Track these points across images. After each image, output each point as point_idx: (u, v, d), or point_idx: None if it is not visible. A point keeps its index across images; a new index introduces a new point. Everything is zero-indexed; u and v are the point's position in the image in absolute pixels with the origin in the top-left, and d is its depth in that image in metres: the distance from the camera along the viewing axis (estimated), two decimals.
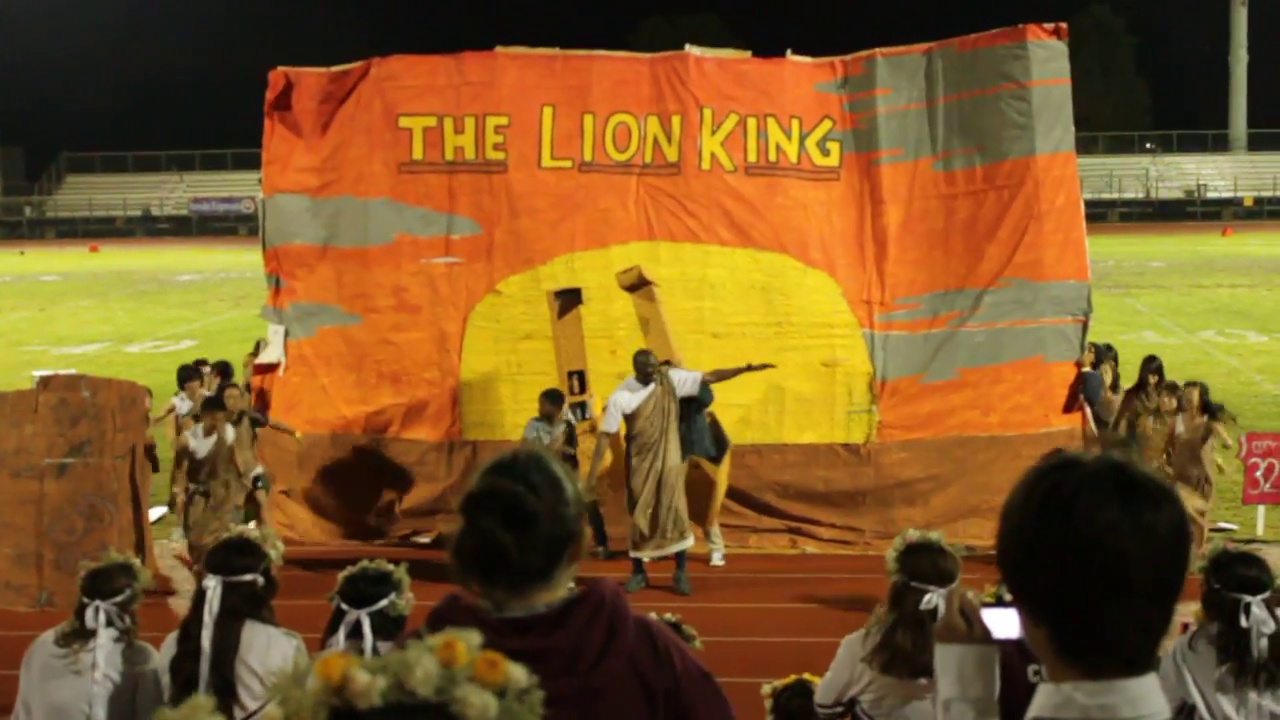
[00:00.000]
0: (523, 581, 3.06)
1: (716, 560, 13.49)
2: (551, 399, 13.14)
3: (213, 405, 13.13)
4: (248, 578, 6.26)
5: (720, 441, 13.31)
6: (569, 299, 13.76)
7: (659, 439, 12.71)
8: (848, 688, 5.99)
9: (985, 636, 2.73)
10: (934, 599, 5.85)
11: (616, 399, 12.82)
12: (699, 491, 13.06)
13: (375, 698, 1.80)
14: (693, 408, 13.03)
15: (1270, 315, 34.19)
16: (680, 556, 12.79)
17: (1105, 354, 16.24)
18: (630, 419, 12.79)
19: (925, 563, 5.97)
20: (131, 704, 6.44)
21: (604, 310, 14.43)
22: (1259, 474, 14.13)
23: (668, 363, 13.19)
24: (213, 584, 6.21)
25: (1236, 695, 5.87)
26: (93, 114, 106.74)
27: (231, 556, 6.32)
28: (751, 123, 14.43)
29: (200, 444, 12.73)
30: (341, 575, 6.22)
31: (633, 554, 12.75)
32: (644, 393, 12.71)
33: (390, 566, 6.23)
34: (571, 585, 3.20)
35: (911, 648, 5.83)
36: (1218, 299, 38.34)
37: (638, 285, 13.41)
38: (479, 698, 1.86)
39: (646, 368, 12.76)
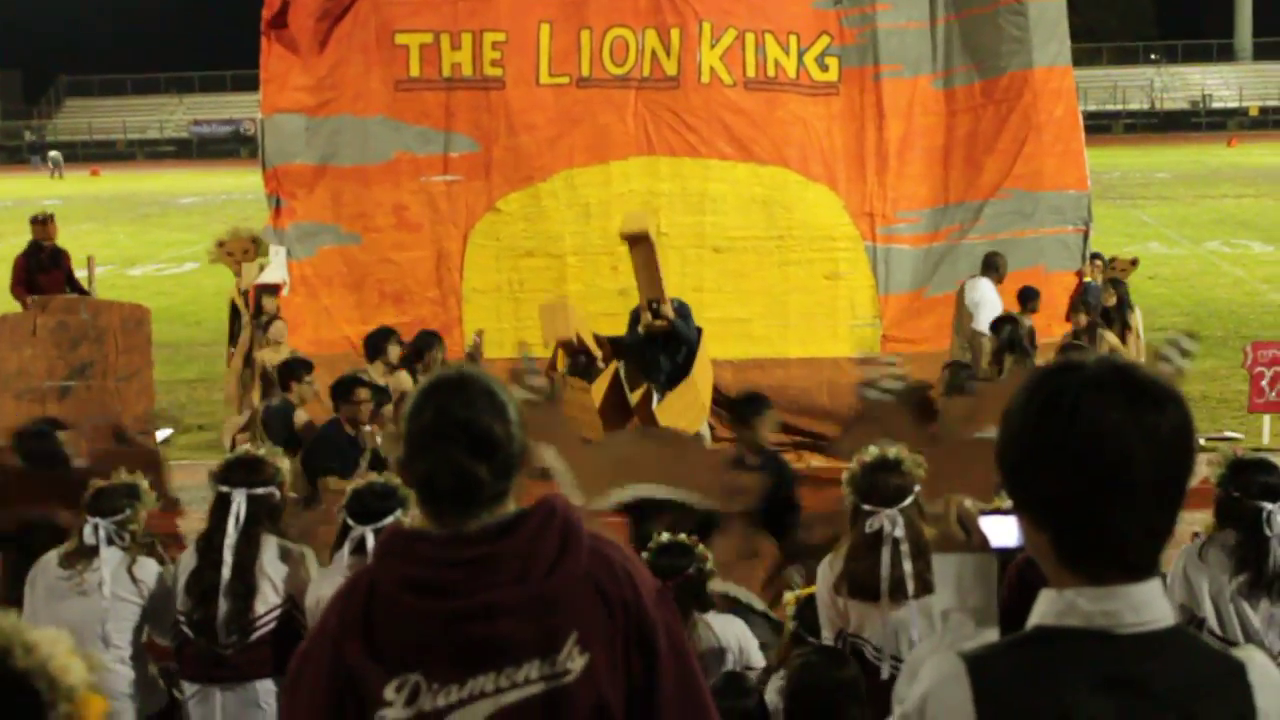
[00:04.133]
0: (488, 504, 3.06)
1: None
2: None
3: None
4: (263, 490, 6.38)
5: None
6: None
7: None
8: (833, 613, 5.98)
9: (983, 545, 2.71)
10: (878, 521, 5.84)
11: (990, 296, 13.05)
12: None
13: None
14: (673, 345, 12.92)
15: (1275, 225, 34.01)
16: None
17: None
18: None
19: (869, 483, 5.95)
20: (140, 620, 6.50)
21: (604, 228, 14.34)
22: (1264, 383, 14.11)
23: (657, 300, 13.01)
24: (238, 497, 6.31)
25: (1251, 605, 5.79)
26: (90, 37, 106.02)
27: (250, 472, 6.47)
28: (749, 38, 14.33)
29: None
30: (349, 489, 6.25)
31: None
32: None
33: (397, 482, 6.23)
34: None
35: (866, 570, 5.82)
36: (1223, 209, 38.14)
37: (639, 238, 13.23)
38: None
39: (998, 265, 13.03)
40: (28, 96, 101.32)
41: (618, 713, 3.07)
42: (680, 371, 12.83)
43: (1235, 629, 5.78)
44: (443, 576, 2.99)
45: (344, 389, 10.22)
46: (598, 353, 12.83)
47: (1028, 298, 13.65)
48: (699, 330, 12.89)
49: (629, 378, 13.01)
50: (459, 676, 2.99)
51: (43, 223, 17.33)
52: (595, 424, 12.59)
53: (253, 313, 13.99)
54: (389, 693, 2.98)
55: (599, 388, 12.69)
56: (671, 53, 14.28)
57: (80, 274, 17.01)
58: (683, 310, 12.85)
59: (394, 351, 12.17)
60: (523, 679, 3.00)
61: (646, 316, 12.81)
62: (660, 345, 12.84)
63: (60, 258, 17.37)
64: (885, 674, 5.76)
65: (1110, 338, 14.06)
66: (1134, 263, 15.45)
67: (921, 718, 2.29)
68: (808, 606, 6.17)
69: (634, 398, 12.80)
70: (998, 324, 12.37)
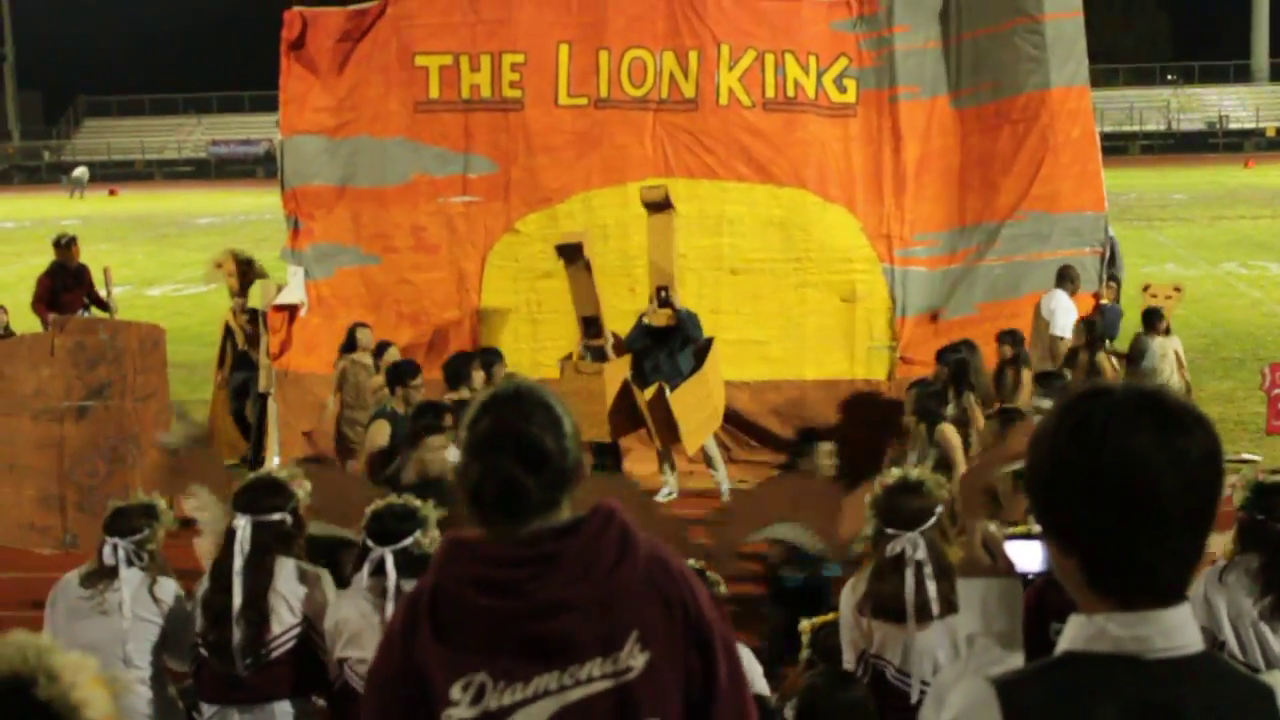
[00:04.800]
0: (534, 514, 3.12)
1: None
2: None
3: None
4: (276, 517, 6.33)
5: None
6: (571, 252, 13.44)
7: None
8: (856, 634, 5.99)
9: (1009, 569, 2.71)
10: (900, 545, 5.86)
11: (1066, 303, 13.65)
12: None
13: None
14: (677, 341, 13.04)
15: None
16: None
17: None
18: None
19: (890, 506, 5.97)
20: (160, 641, 6.50)
21: (622, 248, 14.37)
22: None
23: (666, 288, 13.09)
24: (242, 523, 6.28)
25: (1273, 629, 5.78)
26: (109, 58, 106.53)
27: (260, 496, 6.42)
28: (769, 58, 14.33)
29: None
30: (368, 510, 6.23)
31: None
32: None
33: (417, 504, 6.23)
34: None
35: (890, 593, 5.84)
36: (1240, 231, 38.06)
37: (661, 205, 13.30)
38: None
39: None
40: (47, 117, 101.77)
41: (676, 710, 3.14)
42: (683, 376, 12.91)
43: (1255, 653, 5.76)
44: (507, 576, 3.05)
45: (428, 415, 9.73)
46: (609, 339, 12.92)
47: (1155, 319, 14.09)
48: (709, 339, 12.97)
49: (634, 378, 13.04)
50: (524, 675, 3.05)
51: (65, 246, 17.48)
52: (601, 413, 12.62)
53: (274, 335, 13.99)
54: (455, 692, 3.04)
55: (610, 387, 12.72)
56: (690, 75, 14.30)
57: (100, 292, 17.11)
58: (691, 318, 12.93)
59: (478, 377, 11.95)
60: (585, 676, 3.07)
61: (652, 307, 12.87)
62: (664, 341, 12.89)
63: (83, 275, 17.52)
64: (915, 698, 5.75)
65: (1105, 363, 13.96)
66: (1177, 289, 15.25)
67: None
68: (822, 634, 6.15)
69: (646, 395, 12.81)
70: (944, 353, 12.14)
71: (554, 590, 3.04)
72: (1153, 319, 14.41)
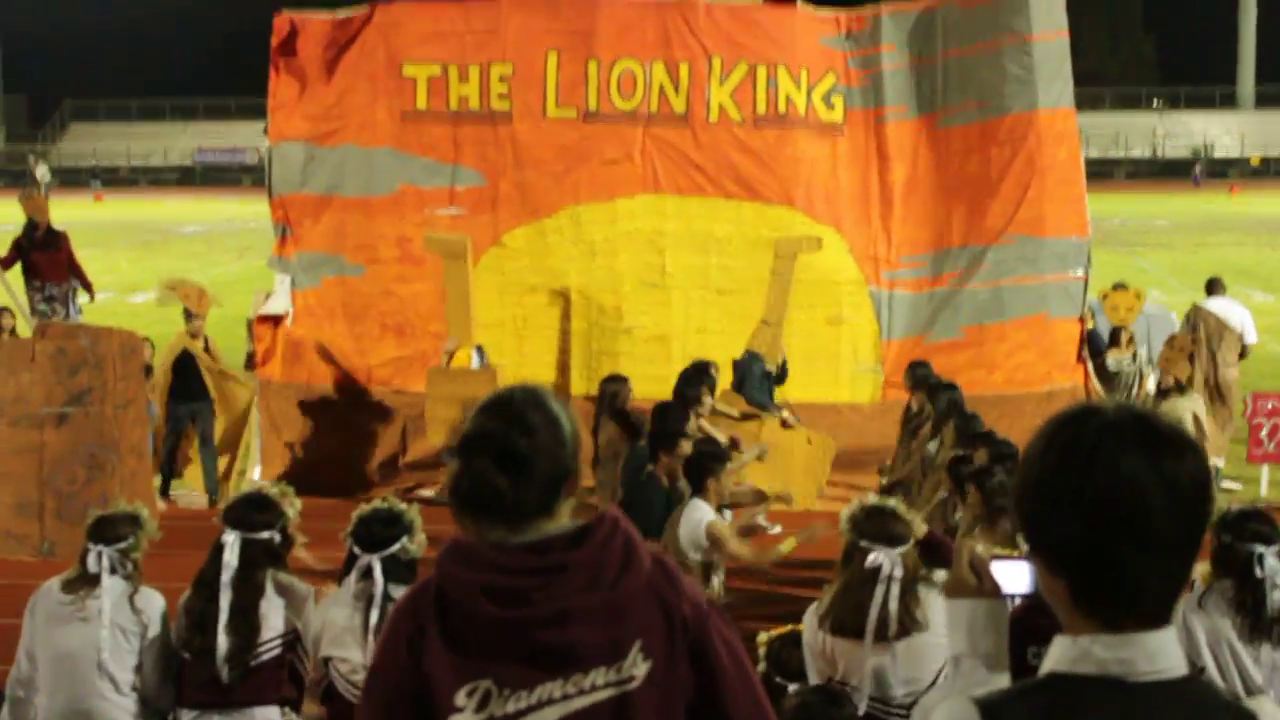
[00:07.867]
0: (520, 519, 3.10)
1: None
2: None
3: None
4: (265, 535, 6.33)
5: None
6: (451, 246, 13.80)
7: None
8: (821, 660, 6.00)
9: (995, 591, 2.71)
10: (879, 558, 5.91)
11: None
12: None
13: None
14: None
15: (1275, 274, 34.10)
16: None
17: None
18: None
19: (875, 525, 6.02)
20: (139, 650, 6.46)
21: (610, 265, 14.37)
22: (1264, 434, 14.09)
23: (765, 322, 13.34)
24: (231, 539, 6.27)
25: (1250, 651, 5.86)
26: (96, 62, 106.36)
27: (251, 512, 6.41)
28: (761, 71, 14.30)
29: None
30: (355, 514, 6.21)
31: None
32: None
33: (402, 507, 6.22)
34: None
35: (854, 607, 5.88)
36: (1223, 258, 38.17)
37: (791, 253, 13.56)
38: None
39: None
40: (33, 121, 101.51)
41: (679, 718, 3.15)
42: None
43: (1234, 677, 5.83)
44: (516, 584, 3.05)
45: (669, 439, 9.27)
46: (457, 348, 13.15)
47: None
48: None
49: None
50: (529, 682, 3.06)
51: (29, 197, 16.85)
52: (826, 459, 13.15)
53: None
54: (460, 698, 3.04)
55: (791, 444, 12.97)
56: (680, 89, 14.26)
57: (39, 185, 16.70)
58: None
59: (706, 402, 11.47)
60: (590, 685, 3.07)
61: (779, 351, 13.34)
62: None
63: (59, 239, 17.13)
64: (861, 710, 5.80)
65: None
66: (1138, 298, 14.86)
67: None
68: (778, 647, 6.14)
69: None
70: (938, 390, 11.22)
71: (562, 600, 3.05)
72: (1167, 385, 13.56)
